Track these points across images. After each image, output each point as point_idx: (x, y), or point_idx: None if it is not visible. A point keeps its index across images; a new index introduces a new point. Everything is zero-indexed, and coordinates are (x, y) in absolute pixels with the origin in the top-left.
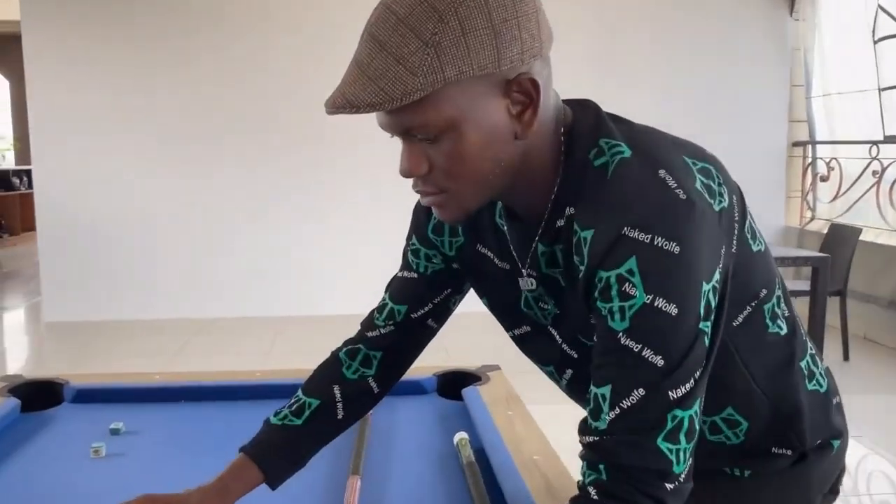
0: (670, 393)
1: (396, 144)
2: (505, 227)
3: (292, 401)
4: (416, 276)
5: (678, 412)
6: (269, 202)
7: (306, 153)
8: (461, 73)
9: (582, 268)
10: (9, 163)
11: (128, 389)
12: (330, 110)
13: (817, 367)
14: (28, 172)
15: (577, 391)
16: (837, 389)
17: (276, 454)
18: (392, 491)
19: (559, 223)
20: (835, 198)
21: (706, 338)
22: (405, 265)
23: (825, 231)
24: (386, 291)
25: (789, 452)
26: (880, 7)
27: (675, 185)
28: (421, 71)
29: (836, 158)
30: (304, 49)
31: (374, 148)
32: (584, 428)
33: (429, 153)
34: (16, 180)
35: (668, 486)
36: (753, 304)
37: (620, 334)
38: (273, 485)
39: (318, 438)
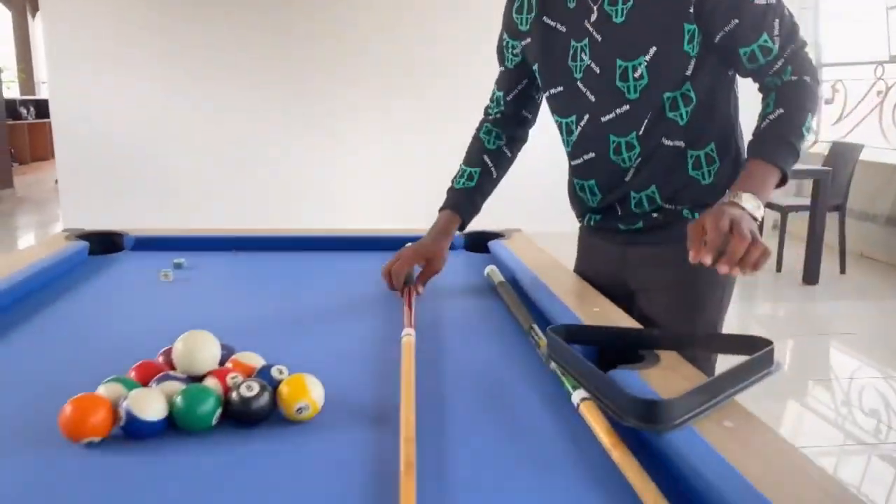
0: (786, 12)
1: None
2: None
3: (460, 172)
4: (505, 68)
5: (795, 23)
6: (287, 122)
7: (328, 82)
8: None
9: None
10: (13, 93)
11: (184, 238)
12: None
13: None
14: (34, 102)
15: (586, 137)
16: None
17: (466, 205)
18: (437, 313)
19: None
20: (839, 119)
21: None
22: (500, 61)
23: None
24: (494, 85)
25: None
26: None
27: None
28: None
29: (841, 80)
30: None
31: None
32: (758, 69)
33: None
34: (22, 110)
35: (811, 59)
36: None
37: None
38: (465, 226)
39: (486, 192)
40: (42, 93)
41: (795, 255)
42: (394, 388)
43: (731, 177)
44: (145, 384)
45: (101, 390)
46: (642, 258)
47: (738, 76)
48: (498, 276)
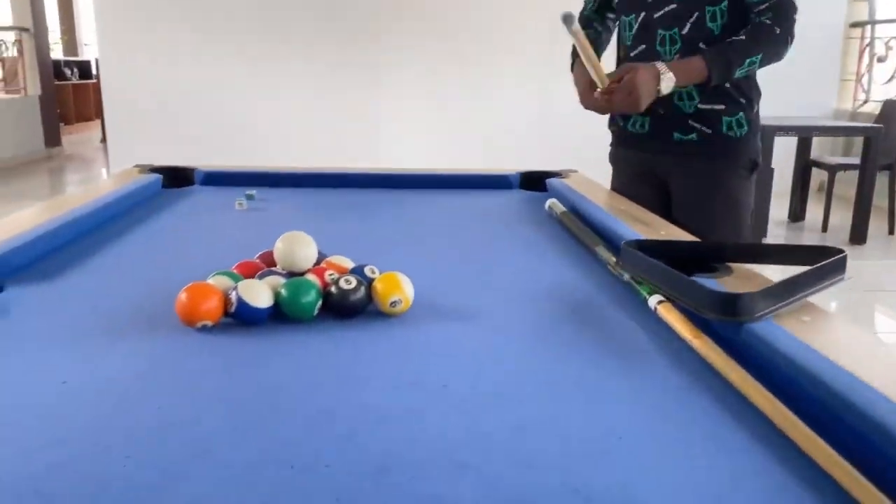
0: None
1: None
2: None
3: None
4: None
5: None
6: (331, 76)
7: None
8: None
9: None
10: (57, 55)
11: (255, 174)
12: None
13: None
14: (77, 63)
15: (640, 31)
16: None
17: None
18: (505, 241)
19: None
20: (891, 78)
21: None
22: None
23: (879, 112)
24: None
25: (749, 102)
26: None
27: None
28: None
29: (895, 38)
30: None
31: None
32: (750, 5)
33: None
34: (66, 71)
35: (794, 20)
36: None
37: None
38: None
39: (600, 47)
40: (84, 54)
41: (842, 215)
42: (477, 289)
43: (751, 87)
44: (250, 278)
45: (211, 281)
46: (675, 169)
47: None
48: (560, 207)
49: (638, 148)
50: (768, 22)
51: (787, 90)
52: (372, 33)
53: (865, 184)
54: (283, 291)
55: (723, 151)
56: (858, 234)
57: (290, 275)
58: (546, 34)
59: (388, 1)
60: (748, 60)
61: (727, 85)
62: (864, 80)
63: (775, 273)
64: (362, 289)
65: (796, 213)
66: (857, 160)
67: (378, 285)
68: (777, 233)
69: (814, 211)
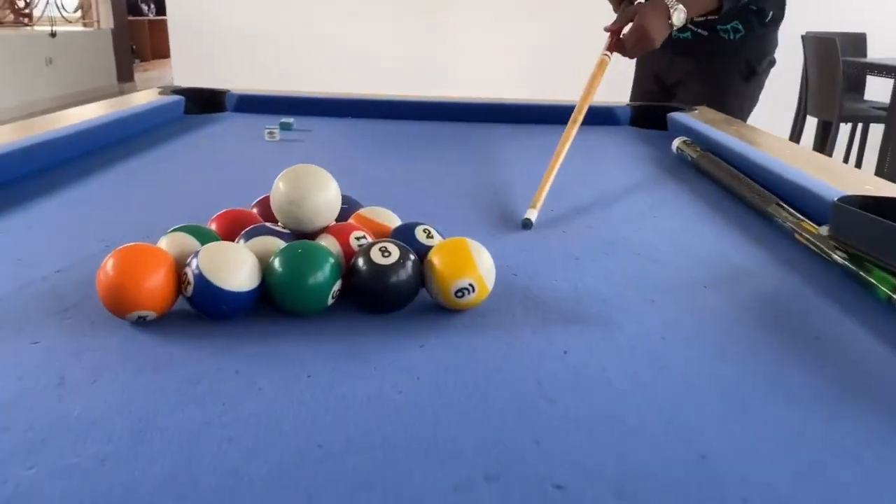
0: None
1: None
2: None
3: None
4: None
5: None
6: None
7: None
8: None
9: None
10: None
11: (292, 99)
12: None
13: None
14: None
15: None
16: None
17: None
18: (628, 197)
19: None
20: None
21: None
22: None
23: None
24: None
25: (763, 16)
26: None
27: None
28: None
29: None
30: None
31: None
32: None
33: None
34: (143, 6)
35: None
36: None
37: None
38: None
39: None
40: None
41: None
42: (596, 270)
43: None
44: (230, 240)
45: (164, 243)
46: (679, 67)
47: None
48: (693, 149)
49: None
50: None
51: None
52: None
53: None
54: (277, 263)
55: (716, 49)
56: None
57: (295, 236)
58: None
59: None
60: None
61: None
62: None
63: None
64: (409, 265)
65: None
66: None
67: (436, 260)
68: None
69: None
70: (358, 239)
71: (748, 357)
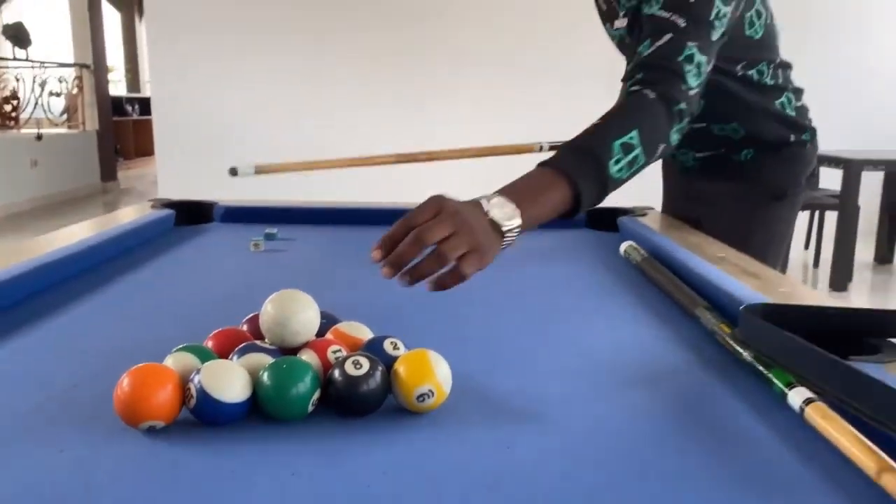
0: (689, 41)
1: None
2: None
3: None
4: None
5: (694, 50)
6: (382, 106)
7: (424, 63)
8: None
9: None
10: (120, 91)
11: (276, 209)
12: None
13: (791, 100)
14: (139, 100)
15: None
16: (804, 105)
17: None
18: (571, 296)
19: None
20: None
21: (716, 32)
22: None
23: None
24: None
25: (779, 141)
26: None
27: None
28: None
29: None
30: None
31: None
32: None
33: None
34: (128, 107)
35: (682, 86)
36: (743, 63)
37: (656, 10)
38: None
39: None
40: (147, 91)
41: None
42: (542, 370)
43: (770, 132)
44: (225, 356)
45: (169, 361)
46: (700, 193)
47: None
48: (640, 253)
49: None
50: (635, 87)
51: (872, 122)
52: (425, 71)
53: None
54: (266, 377)
55: (727, 174)
56: None
57: (281, 352)
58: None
59: (444, 50)
60: (618, 144)
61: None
62: None
63: None
64: (378, 374)
65: (884, 254)
66: None
67: (401, 369)
68: (863, 276)
69: None
70: (334, 353)
71: (663, 448)
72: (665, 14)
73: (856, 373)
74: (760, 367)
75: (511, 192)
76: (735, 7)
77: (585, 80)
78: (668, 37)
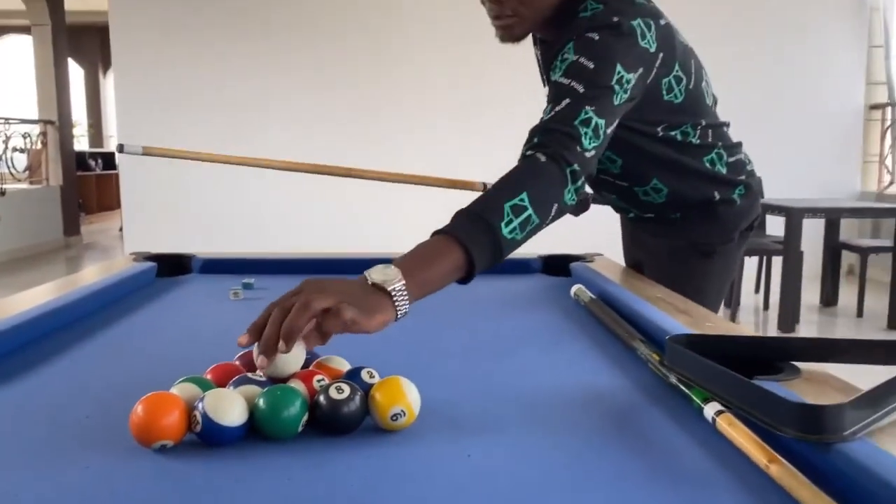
0: (587, 105)
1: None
2: (540, 48)
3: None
4: None
5: (591, 113)
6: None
7: (389, 111)
8: None
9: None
10: (83, 145)
11: (253, 261)
12: None
13: (721, 157)
14: (102, 155)
15: None
16: (742, 155)
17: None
18: (525, 334)
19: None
20: None
21: (618, 98)
22: None
23: None
24: None
25: (704, 200)
26: None
27: (615, 18)
28: None
29: None
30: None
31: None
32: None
33: None
34: (91, 162)
35: (577, 148)
36: (664, 125)
37: (558, 77)
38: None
39: None
40: (109, 146)
41: (876, 299)
42: (497, 395)
43: (687, 190)
44: (222, 387)
45: (175, 390)
46: (640, 241)
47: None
48: (587, 295)
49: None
50: (528, 152)
51: (812, 172)
52: (388, 119)
53: None
54: (261, 403)
55: (661, 231)
56: None
57: (271, 382)
58: None
59: (407, 107)
60: (509, 206)
61: (651, 197)
62: (888, 161)
63: (851, 374)
64: (357, 398)
65: (829, 297)
66: (888, 242)
67: (376, 394)
68: (810, 318)
69: (845, 295)
70: (319, 381)
71: (602, 453)
72: (565, 80)
73: (754, 387)
74: (682, 387)
75: (401, 259)
76: (644, 74)
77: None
78: (566, 102)
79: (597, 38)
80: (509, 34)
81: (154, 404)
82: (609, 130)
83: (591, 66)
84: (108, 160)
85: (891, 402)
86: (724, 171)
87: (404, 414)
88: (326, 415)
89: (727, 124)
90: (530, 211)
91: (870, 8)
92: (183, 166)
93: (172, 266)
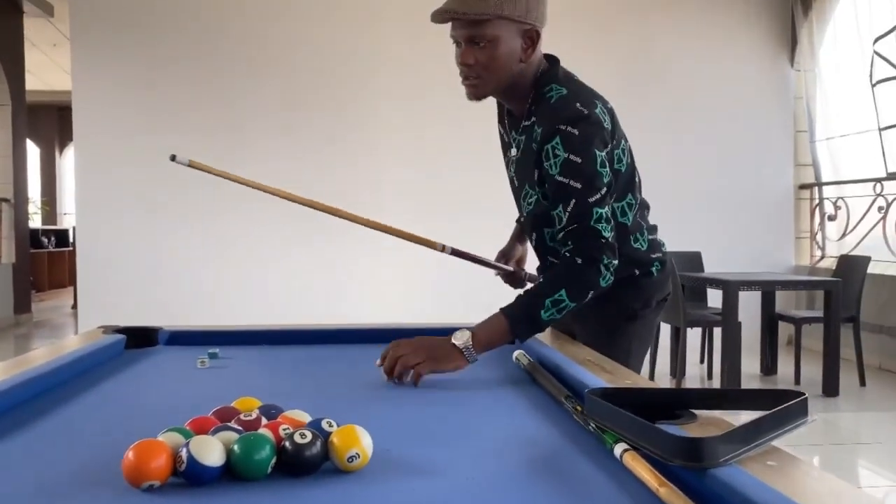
0: (589, 199)
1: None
2: (507, 121)
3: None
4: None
5: (598, 208)
6: (299, 254)
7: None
8: (510, 14)
9: (535, 146)
10: (36, 223)
11: (217, 332)
12: (436, 15)
13: (643, 235)
14: (55, 232)
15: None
16: (657, 235)
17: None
18: (473, 393)
19: (527, 123)
20: (843, 235)
21: (605, 176)
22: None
23: (836, 266)
24: None
25: (628, 275)
26: (876, 52)
27: (584, 109)
28: (492, 5)
29: (842, 198)
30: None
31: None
32: (554, 233)
33: (476, 54)
34: (44, 239)
35: (602, 240)
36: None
37: (555, 174)
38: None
39: None
40: (63, 223)
41: (814, 367)
42: (440, 443)
43: (629, 249)
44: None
45: (162, 437)
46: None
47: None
48: (526, 359)
49: None
50: (567, 254)
51: (750, 248)
52: (345, 193)
53: (831, 337)
54: (236, 448)
55: (595, 300)
56: (830, 387)
57: (245, 430)
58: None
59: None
60: (549, 301)
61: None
62: (819, 237)
63: (744, 420)
64: (318, 443)
65: (768, 366)
66: (821, 313)
67: (335, 439)
68: (751, 386)
69: (786, 364)
70: (285, 430)
71: (528, 486)
72: (564, 179)
73: (651, 428)
74: (598, 432)
75: (476, 326)
76: (610, 149)
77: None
78: (573, 202)
79: (576, 133)
80: (474, 93)
81: (143, 449)
82: (609, 207)
83: (579, 160)
84: (62, 237)
85: (757, 436)
86: (644, 247)
87: (359, 456)
88: (292, 457)
89: (648, 207)
90: (566, 302)
91: (794, 97)
92: (140, 243)
93: (140, 338)
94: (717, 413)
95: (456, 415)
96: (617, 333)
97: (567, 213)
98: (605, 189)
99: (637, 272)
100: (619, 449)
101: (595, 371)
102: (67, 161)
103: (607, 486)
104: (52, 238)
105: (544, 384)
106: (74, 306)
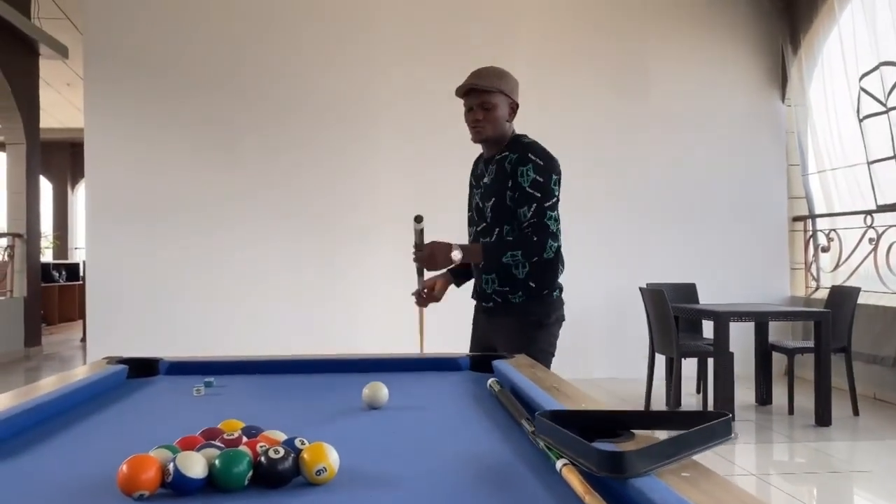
0: (545, 205)
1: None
2: (480, 165)
3: (514, 258)
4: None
5: (550, 213)
6: (306, 287)
7: (341, 240)
8: (506, 91)
9: (509, 167)
10: (47, 258)
11: (214, 363)
12: (460, 90)
13: (562, 266)
14: (66, 266)
15: (479, 236)
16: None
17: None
18: (447, 416)
19: (502, 156)
20: (836, 266)
21: (556, 193)
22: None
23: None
24: None
25: (541, 292)
26: (862, 89)
27: (548, 151)
28: (500, 84)
29: (834, 230)
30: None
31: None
32: (519, 226)
33: (483, 113)
34: (55, 273)
35: (550, 230)
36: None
37: (526, 186)
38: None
39: None
40: (74, 257)
41: (808, 398)
42: (405, 460)
43: (538, 274)
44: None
45: (152, 453)
46: (494, 325)
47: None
48: (498, 387)
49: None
50: (529, 232)
51: (746, 279)
52: (349, 224)
53: (822, 366)
54: (217, 462)
55: (510, 311)
56: (823, 417)
57: (226, 446)
58: None
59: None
60: (510, 252)
61: (512, 277)
62: (813, 268)
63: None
64: (290, 458)
65: (763, 396)
66: (812, 343)
67: (305, 455)
68: (746, 416)
69: (780, 394)
70: (261, 446)
71: (479, 494)
72: (530, 190)
73: (584, 444)
74: (546, 450)
75: (466, 247)
76: (559, 177)
77: None
78: (535, 206)
79: (542, 163)
80: (478, 136)
81: (136, 463)
82: (557, 213)
83: (542, 180)
84: (73, 271)
85: (677, 451)
86: (560, 273)
87: (326, 470)
88: (266, 471)
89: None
90: (519, 258)
91: (785, 132)
92: (148, 277)
93: (141, 368)
94: (655, 433)
95: (419, 435)
96: (529, 341)
97: (530, 212)
98: (555, 200)
99: (546, 291)
100: (559, 464)
101: (557, 396)
102: (79, 196)
103: (545, 496)
104: (63, 272)
105: (509, 408)
106: (83, 339)
